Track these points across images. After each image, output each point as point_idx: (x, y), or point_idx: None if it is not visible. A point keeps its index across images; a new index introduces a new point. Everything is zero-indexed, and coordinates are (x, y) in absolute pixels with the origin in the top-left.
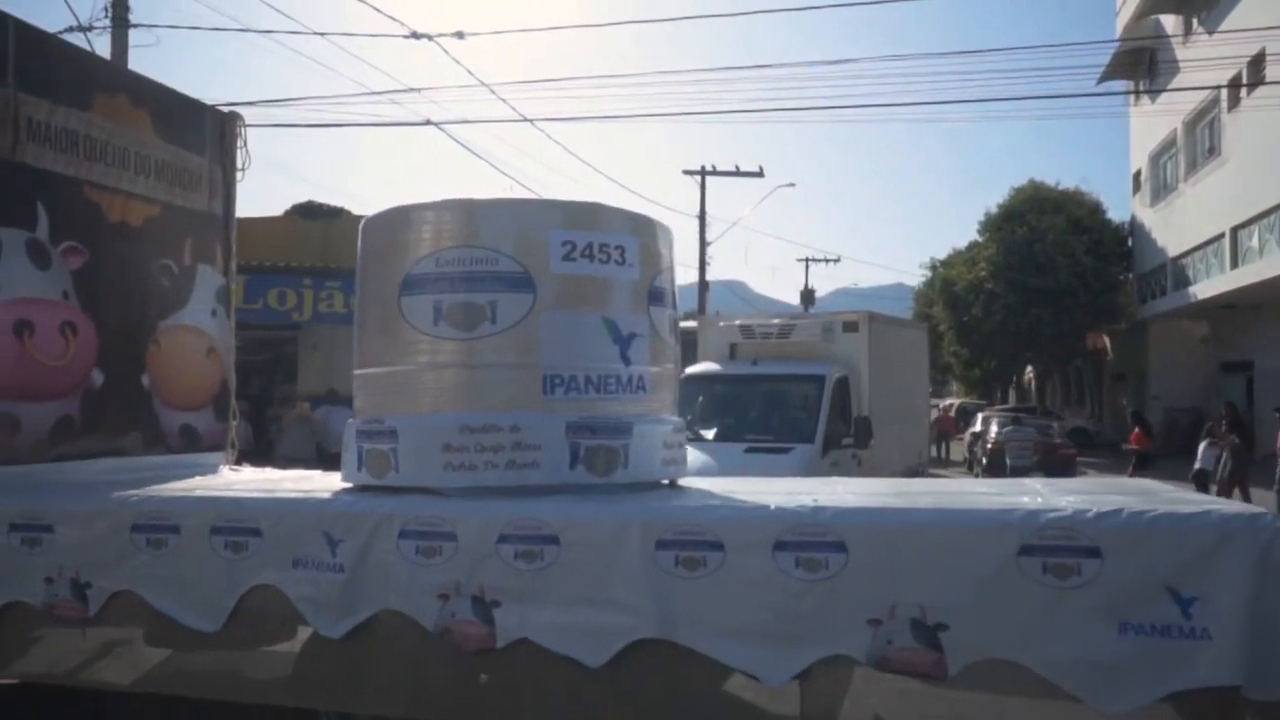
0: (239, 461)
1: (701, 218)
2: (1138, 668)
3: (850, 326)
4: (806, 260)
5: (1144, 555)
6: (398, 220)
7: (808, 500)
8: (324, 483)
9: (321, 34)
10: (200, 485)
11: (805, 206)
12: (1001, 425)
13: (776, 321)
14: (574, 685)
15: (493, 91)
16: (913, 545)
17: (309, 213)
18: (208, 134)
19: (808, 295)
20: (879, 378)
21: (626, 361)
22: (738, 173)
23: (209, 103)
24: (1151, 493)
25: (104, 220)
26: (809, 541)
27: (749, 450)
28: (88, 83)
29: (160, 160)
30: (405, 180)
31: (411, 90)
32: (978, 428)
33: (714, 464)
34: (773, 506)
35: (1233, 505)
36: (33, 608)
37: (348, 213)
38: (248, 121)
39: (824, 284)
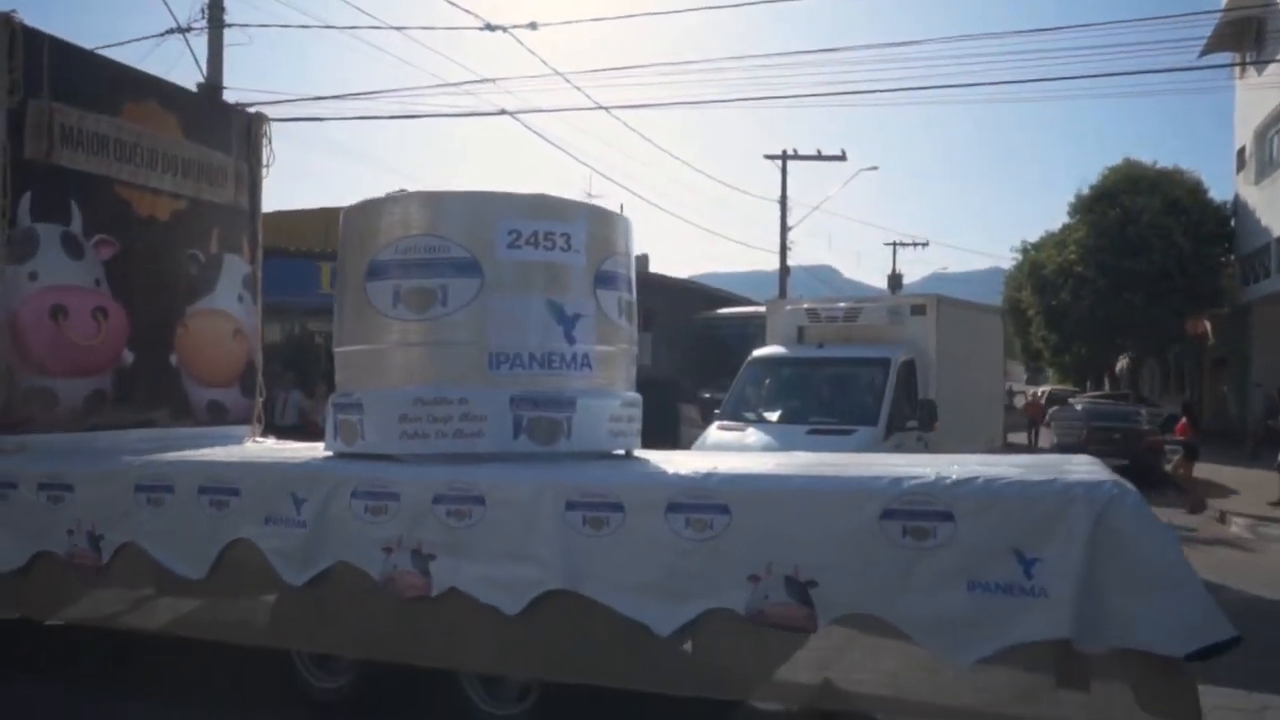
0: (268, 434)
1: (783, 203)
2: (982, 623)
3: (918, 310)
4: (894, 245)
5: (992, 519)
6: (368, 211)
7: (705, 467)
8: (311, 451)
9: (400, 28)
10: (206, 452)
11: (890, 191)
12: (1063, 408)
13: (843, 305)
14: (495, 630)
15: (567, 80)
16: (788, 509)
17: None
18: (234, 134)
19: (895, 280)
20: (948, 361)
21: (571, 340)
22: (819, 157)
23: (245, 105)
24: (1066, 469)
25: (133, 215)
26: (697, 504)
27: (811, 432)
28: (118, 91)
29: (188, 159)
30: (485, 170)
31: (486, 81)
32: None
33: (776, 445)
34: (670, 472)
35: (1082, 474)
36: (58, 557)
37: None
38: (333, 115)
39: (914, 270)
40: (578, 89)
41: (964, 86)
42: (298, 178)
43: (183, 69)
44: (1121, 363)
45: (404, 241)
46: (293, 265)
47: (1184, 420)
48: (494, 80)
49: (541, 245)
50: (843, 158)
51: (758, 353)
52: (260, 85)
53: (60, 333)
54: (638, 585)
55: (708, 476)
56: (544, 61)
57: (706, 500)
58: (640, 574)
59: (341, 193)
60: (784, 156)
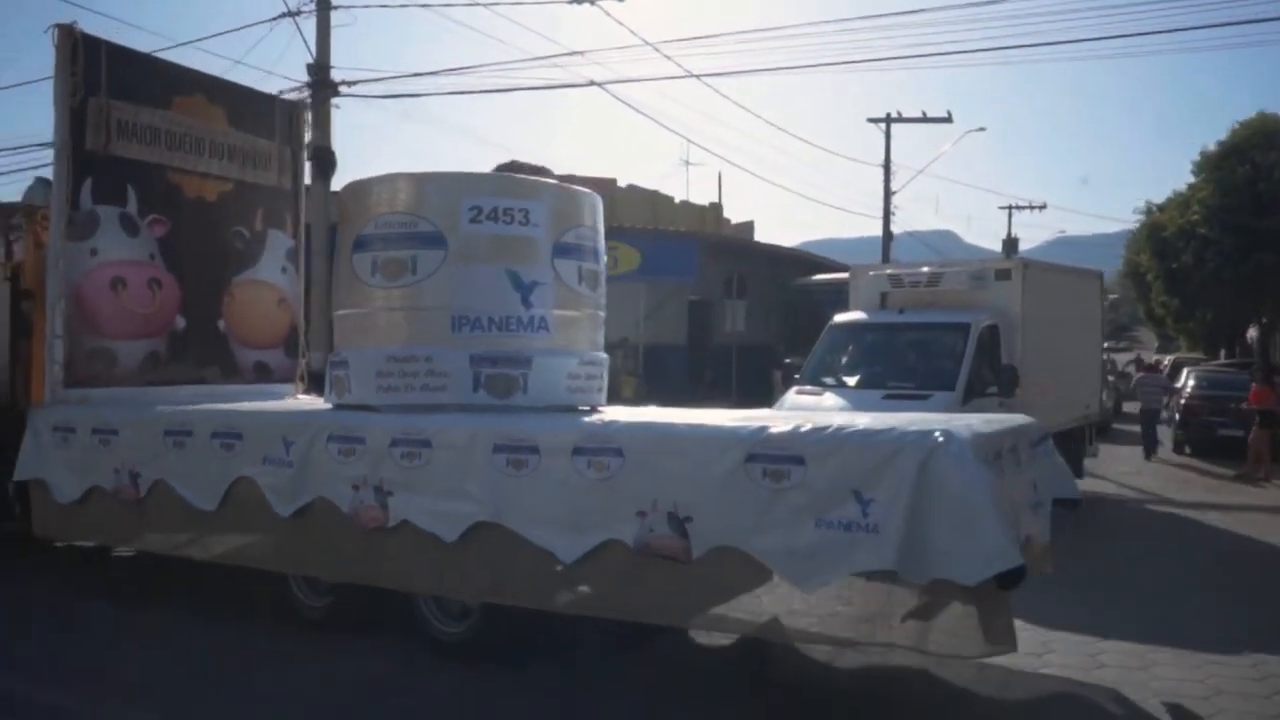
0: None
1: (886, 166)
2: (826, 555)
3: (1003, 274)
4: (1009, 208)
5: (836, 463)
6: (356, 192)
7: (611, 417)
8: (316, 404)
9: (490, 4)
10: (223, 404)
11: (1004, 154)
12: (1199, 381)
13: (925, 270)
14: (438, 556)
15: (656, 49)
16: (670, 452)
17: (512, 170)
18: (277, 122)
19: (1010, 245)
20: (1036, 327)
21: (528, 305)
22: (924, 119)
23: (287, 94)
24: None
25: (183, 197)
26: (597, 448)
27: (887, 397)
28: (168, 88)
29: (233, 145)
30: (579, 141)
31: (575, 54)
32: (1179, 383)
33: (850, 409)
34: (580, 420)
35: (921, 424)
36: (107, 491)
37: (549, 170)
38: (433, 91)
39: (1034, 235)
40: (667, 58)
41: (1081, 42)
42: (402, 153)
43: (294, 52)
44: (1253, 330)
45: (382, 218)
46: None
47: (1256, 387)
48: (583, 53)
49: (501, 220)
50: (949, 119)
51: (838, 318)
52: (363, 64)
53: (119, 302)
54: (548, 519)
55: (608, 424)
56: (633, 32)
57: (605, 444)
58: (550, 509)
59: (444, 166)
60: (887, 120)
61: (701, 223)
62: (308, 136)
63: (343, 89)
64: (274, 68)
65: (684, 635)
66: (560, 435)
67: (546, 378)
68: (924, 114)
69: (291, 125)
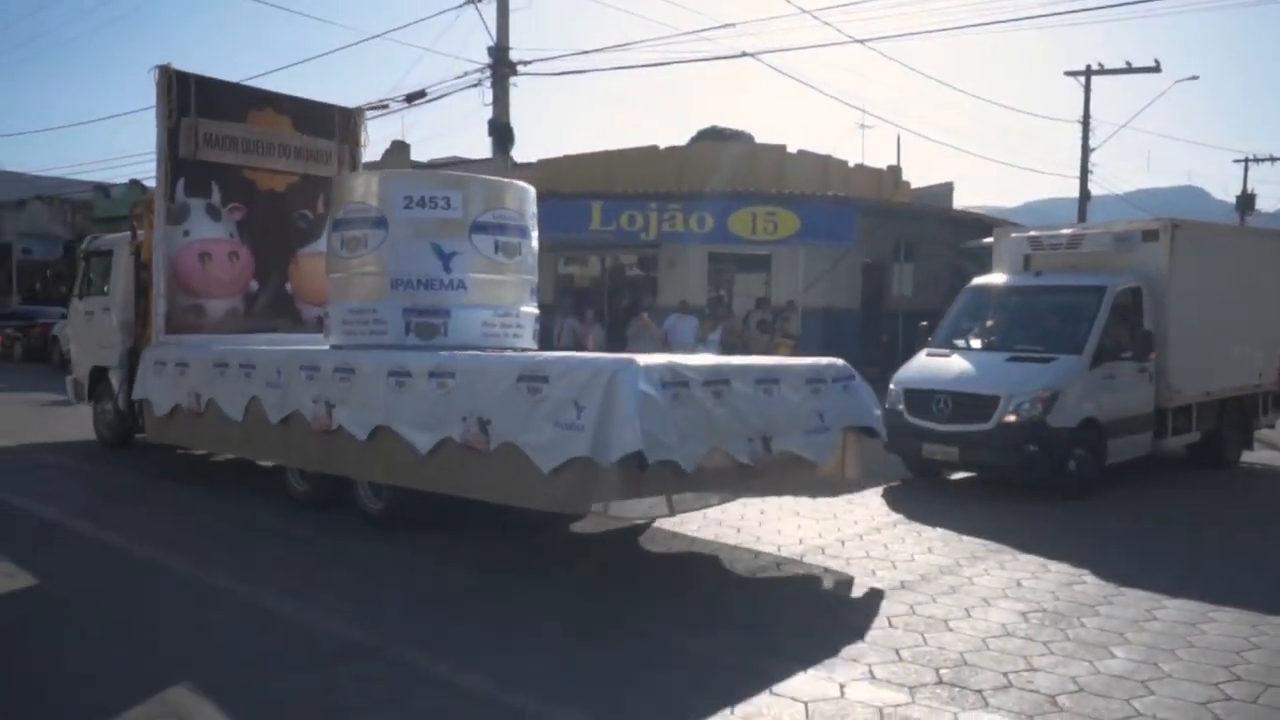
0: None
1: (1085, 122)
2: (558, 446)
3: (1150, 236)
4: (1245, 160)
5: (566, 382)
6: (336, 185)
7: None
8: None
9: None
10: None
11: (1221, 105)
12: None
13: (1066, 232)
14: (358, 450)
15: (814, 17)
16: (480, 375)
17: (714, 136)
18: (336, 125)
19: (1247, 201)
20: (1188, 290)
21: (448, 270)
22: (1129, 69)
23: (348, 103)
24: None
25: (256, 189)
26: (442, 372)
27: (1011, 359)
28: (243, 105)
29: (298, 146)
30: (740, 112)
31: (728, 25)
32: None
33: (972, 370)
34: (439, 353)
35: (627, 358)
36: (183, 407)
37: (748, 135)
38: (596, 67)
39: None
40: (826, 24)
41: None
42: (578, 125)
43: (478, 36)
44: None
45: (349, 205)
46: (566, 205)
47: None
48: (733, 24)
49: (427, 206)
50: (1156, 69)
51: (974, 281)
52: (537, 44)
53: (205, 270)
54: (414, 422)
55: (451, 355)
56: (788, 1)
57: (447, 370)
58: (415, 415)
59: (623, 138)
60: (1088, 72)
61: (878, 187)
62: (364, 136)
63: (520, 69)
64: (459, 53)
65: (528, 514)
66: (424, 363)
67: (463, 326)
68: (1128, 64)
69: (348, 127)
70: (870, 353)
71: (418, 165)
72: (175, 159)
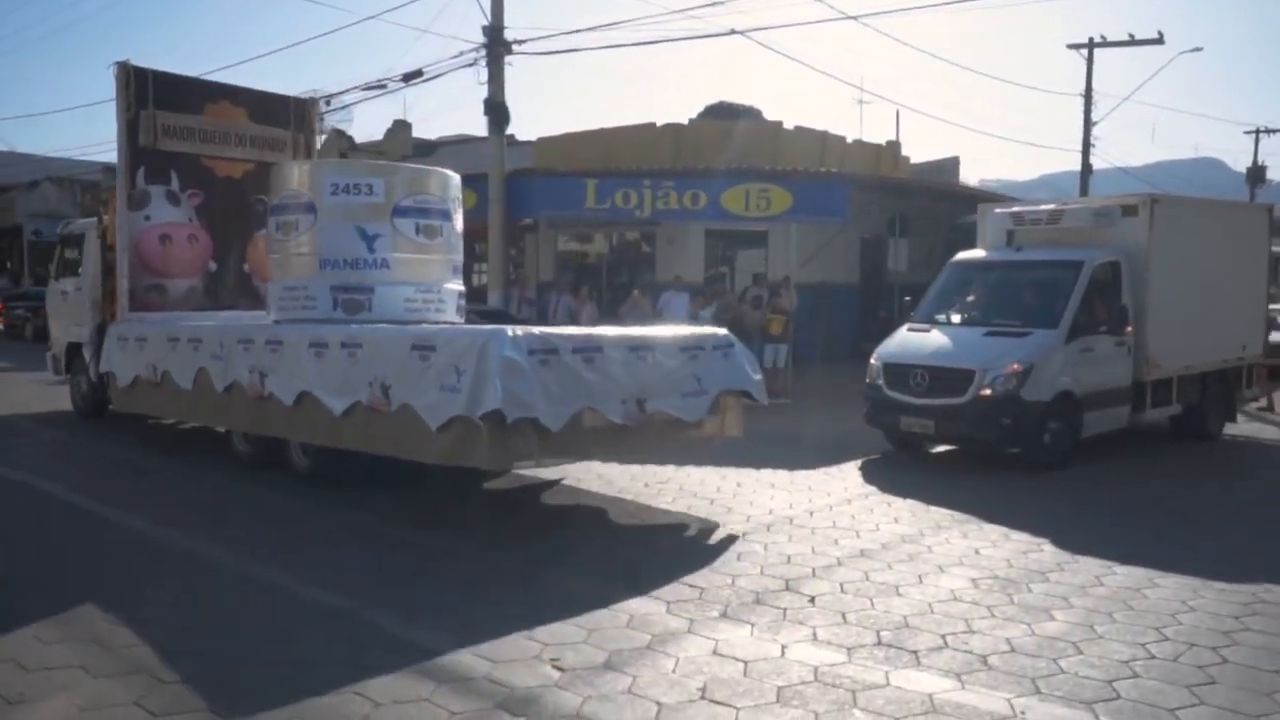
0: None
1: (1087, 95)
2: (442, 406)
3: (1130, 211)
4: (1256, 132)
5: (449, 349)
6: (274, 174)
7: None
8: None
9: None
10: (204, 321)
11: (1232, 77)
12: None
13: (1046, 208)
14: (287, 413)
15: None
16: (381, 344)
17: (723, 112)
18: (291, 115)
19: (1257, 173)
20: (1168, 265)
21: (371, 251)
22: (1132, 41)
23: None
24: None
25: (214, 176)
26: (352, 343)
27: (988, 334)
28: (200, 97)
29: (254, 135)
30: (737, 89)
31: (715, 4)
32: None
33: (949, 345)
34: (350, 326)
35: (500, 326)
36: (142, 378)
37: (757, 111)
38: (589, 46)
39: None
40: (818, 1)
41: None
42: (586, 103)
43: (474, 17)
44: None
45: (284, 193)
46: (561, 183)
47: None
48: (721, 2)
49: (351, 192)
50: (1159, 40)
51: (956, 257)
52: (529, 23)
53: (166, 251)
54: (330, 387)
55: (360, 328)
56: None
57: (355, 341)
58: (331, 381)
59: (628, 115)
60: (1090, 45)
61: (876, 163)
62: (320, 124)
63: (515, 48)
64: (456, 33)
65: (448, 471)
66: (337, 335)
67: (387, 302)
68: (1131, 36)
69: (303, 116)
70: (869, 327)
71: (422, 143)
72: (135, 148)
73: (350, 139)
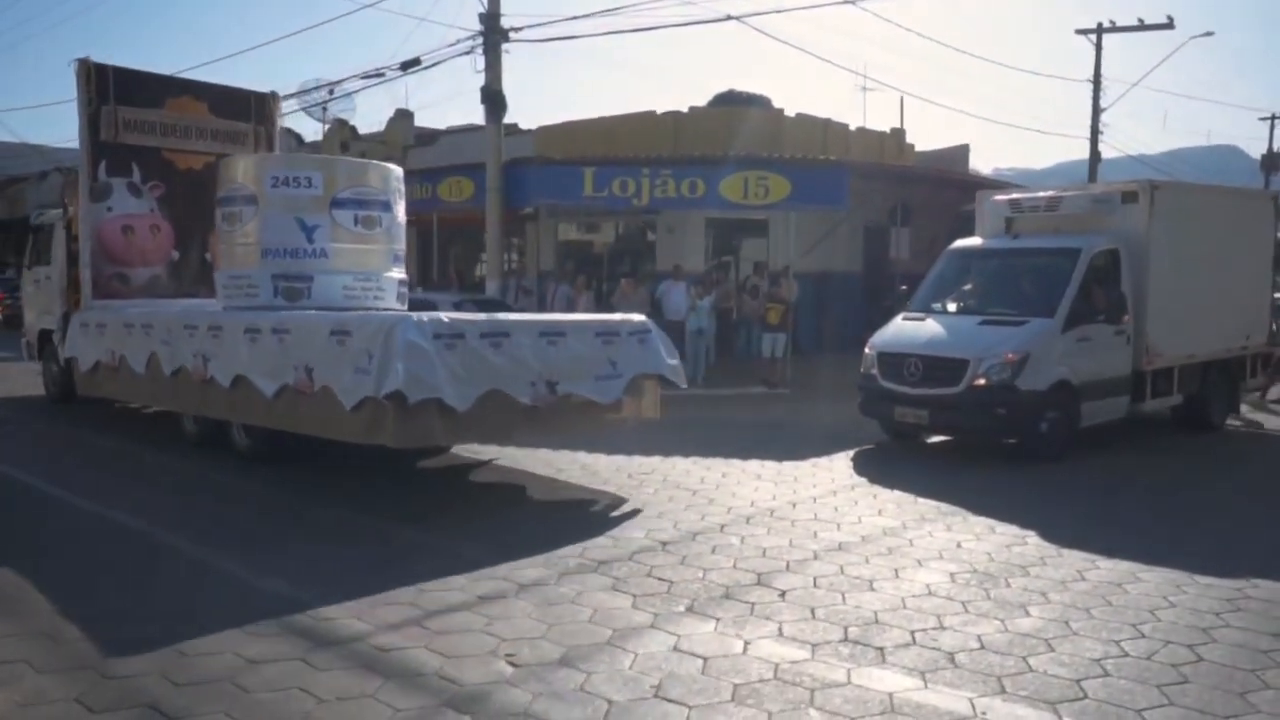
0: None
1: (1096, 81)
2: (356, 387)
3: (1129, 197)
4: (1271, 118)
5: (361, 334)
6: (221, 167)
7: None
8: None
9: None
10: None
11: (1245, 63)
12: None
13: (1044, 195)
14: (220, 393)
15: None
16: (306, 331)
17: (731, 100)
18: (252, 108)
19: (1272, 159)
20: (1168, 252)
21: (310, 241)
22: (1141, 26)
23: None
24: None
25: (175, 168)
26: (281, 329)
27: (983, 323)
28: (161, 92)
29: (215, 129)
30: (740, 76)
31: None
32: None
33: (944, 334)
34: (280, 313)
35: (407, 313)
36: (105, 363)
37: (765, 99)
38: (591, 32)
39: None
40: None
41: None
42: (591, 93)
43: (473, 2)
44: None
45: (230, 186)
46: (559, 172)
47: None
48: None
49: (291, 185)
50: (1169, 25)
51: (953, 245)
52: (531, 10)
53: (129, 241)
54: (262, 371)
55: (289, 314)
56: None
57: (284, 327)
58: (263, 365)
59: (632, 104)
60: (1099, 30)
61: (880, 151)
62: (279, 117)
63: (512, 35)
64: (454, 21)
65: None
66: (269, 321)
67: (325, 289)
68: (1141, 21)
69: (264, 110)
70: (872, 317)
71: (424, 133)
72: (96, 142)
73: (353, 129)
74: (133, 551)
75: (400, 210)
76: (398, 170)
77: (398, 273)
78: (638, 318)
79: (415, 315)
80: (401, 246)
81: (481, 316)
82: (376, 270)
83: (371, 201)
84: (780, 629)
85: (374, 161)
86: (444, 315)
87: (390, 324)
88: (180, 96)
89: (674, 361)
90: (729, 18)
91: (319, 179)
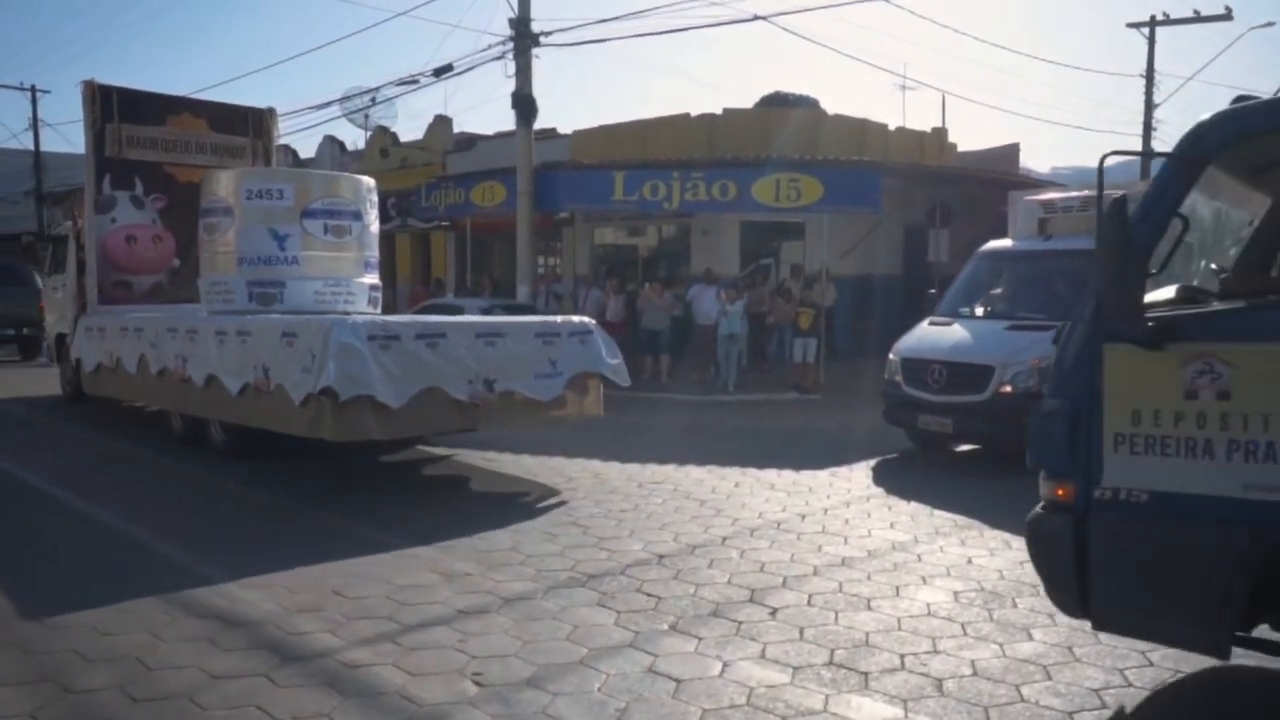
0: None
1: (1149, 76)
2: (302, 385)
3: None
4: None
5: (306, 336)
6: (204, 180)
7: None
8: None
9: None
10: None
11: None
12: None
13: (1078, 195)
14: (197, 391)
15: None
16: (261, 333)
17: (779, 101)
18: (250, 124)
19: None
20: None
21: (282, 249)
22: (1197, 18)
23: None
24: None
25: (176, 181)
26: (244, 331)
27: (1011, 328)
28: (163, 110)
29: (214, 144)
30: (773, 76)
31: None
32: None
33: (969, 339)
34: (244, 317)
35: (344, 316)
36: (103, 364)
37: (813, 100)
38: (619, 35)
39: None
40: None
41: None
42: (629, 97)
43: (504, 8)
44: None
45: (210, 199)
46: (588, 176)
47: None
48: None
49: (264, 197)
50: (1228, 16)
51: (984, 247)
52: (561, 15)
53: (132, 251)
54: (228, 370)
55: (253, 318)
56: None
57: (246, 330)
58: (229, 365)
59: (675, 105)
60: (1152, 23)
61: (920, 151)
62: (276, 131)
63: (541, 39)
64: (485, 27)
65: (358, 446)
66: (233, 324)
67: (297, 295)
68: (1196, 13)
69: (261, 125)
70: (910, 321)
71: (464, 138)
72: (101, 158)
73: (394, 135)
74: (90, 536)
75: (372, 220)
76: (369, 181)
77: (370, 278)
78: (579, 319)
79: (352, 318)
80: (374, 253)
81: (418, 319)
82: (347, 276)
83: (342, 211)
84: (764, 650)
85: (346, 174)
86: (381, 318)
87: (328, 326)
88: (181, 114)
89: (615, 361)
90: (755, 18)
91: (290, 190)
